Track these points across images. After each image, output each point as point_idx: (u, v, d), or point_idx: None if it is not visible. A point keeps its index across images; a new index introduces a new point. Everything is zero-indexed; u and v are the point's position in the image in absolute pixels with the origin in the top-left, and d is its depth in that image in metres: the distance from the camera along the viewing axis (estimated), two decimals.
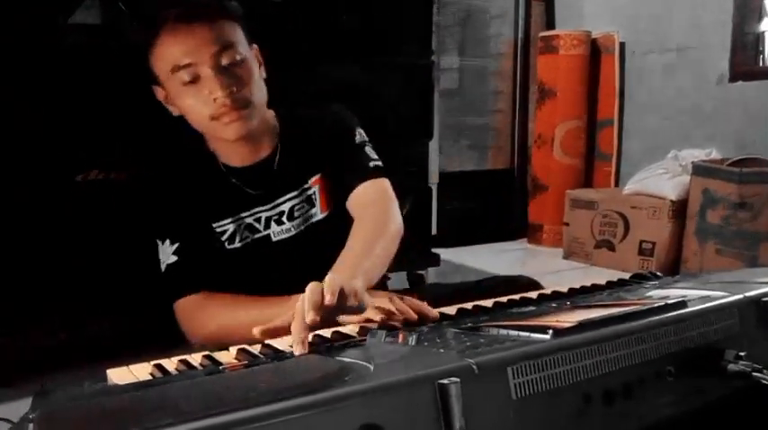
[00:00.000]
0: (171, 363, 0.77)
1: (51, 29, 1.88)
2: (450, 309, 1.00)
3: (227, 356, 0.81)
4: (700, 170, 2.84)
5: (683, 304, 0.78)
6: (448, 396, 0.54)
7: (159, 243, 1.12)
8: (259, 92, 1.12)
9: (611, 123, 3.71)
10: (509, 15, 3.95)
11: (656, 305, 0.76)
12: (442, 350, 0.65)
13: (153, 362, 0.77)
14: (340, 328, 0.91)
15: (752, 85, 3.10)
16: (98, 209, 1.98)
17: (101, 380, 0.73)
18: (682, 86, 3.39)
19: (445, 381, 0.54)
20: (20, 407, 0.56)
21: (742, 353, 0.74)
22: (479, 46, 3.98)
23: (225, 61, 1.06)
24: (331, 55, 2.45)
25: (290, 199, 1.19)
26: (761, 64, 3.16)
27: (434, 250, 2.67)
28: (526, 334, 0.68)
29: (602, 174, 3.79)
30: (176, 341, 1.11)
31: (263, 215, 1.18)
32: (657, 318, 0.73)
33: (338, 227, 1.15)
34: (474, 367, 0.58)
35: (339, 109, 1.27)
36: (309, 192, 1.20)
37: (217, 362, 0.76)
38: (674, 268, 2.89)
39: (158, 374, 0.73)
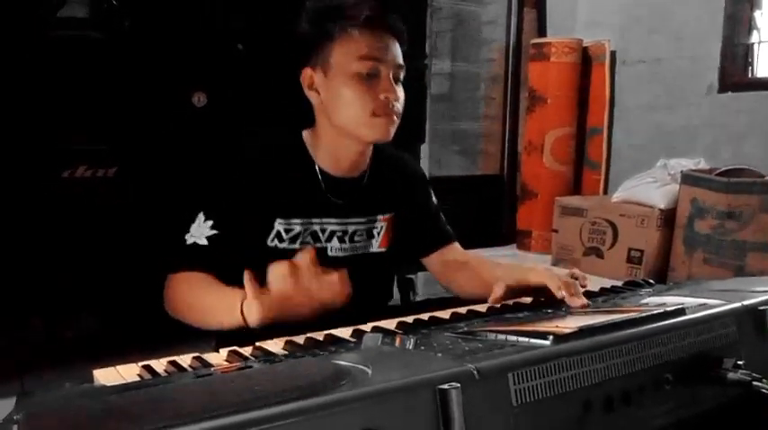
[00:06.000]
0: (160, 365, 0.75)
1: (40, 23, 1.85)
2: (444, 313, 0.98)
3: (217, 358, 0.79)
4: (688, 179, 2.86)
5: (681, 311, 0.77)
6: (448, 401, 0.53)
7: (201, 218, 1.13)
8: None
9: (600, 131, 3.73)
10: (501, 21, 3.96)
11: (655, 312, 0.75)
12: (440, 354, 0.64)
13: (141, 364, 0.75)
14: (332, 331, 0.89)
15: (741, 96, 3.13)
16: (83, 205, 1.95)
17: (84, 381, 0.71)
18: (671, 96, 3.42)
19: (446, 386, 0.53)
20: (1, 409, 0.54)
21: (740, 362, 0.73)
22: (471, 51, 3.98)
23: (399, 75, 1.16)
24: None
25: (360, 222, 1.25)
26: (750, 75, 3.19)
27: None
28: (525, 339, 0.66)
29: (590, 182, 3.80)
30: (164, 341, 1.09)
31: (332, 228, 1.22)
32: (657, 324, 0.72)
33: (383, 265, 1.28)
34: (474, 372, 0.57)
35: (412, 160, 1.42)
36: (376, 224, 1.27)
37: (207, 364, 0.74)
38: (661, 276, 2.90)
39: (147, 376, 0.71)
